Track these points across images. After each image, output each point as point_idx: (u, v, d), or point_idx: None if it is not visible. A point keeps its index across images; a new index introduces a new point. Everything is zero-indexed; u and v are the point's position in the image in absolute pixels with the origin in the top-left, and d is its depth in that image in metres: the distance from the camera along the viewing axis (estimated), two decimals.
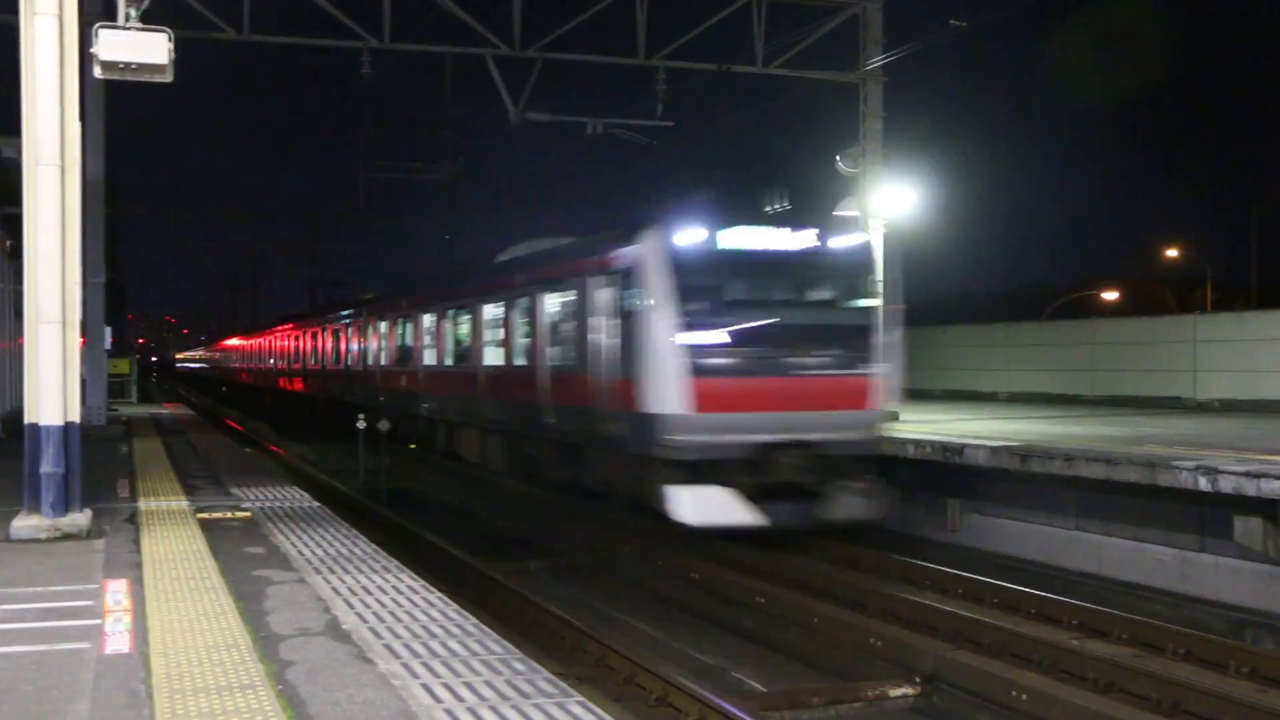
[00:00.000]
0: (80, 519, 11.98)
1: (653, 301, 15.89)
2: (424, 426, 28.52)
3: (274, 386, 51.40)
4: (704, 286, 16.10)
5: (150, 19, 12.42)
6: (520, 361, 21.17)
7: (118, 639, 7.82)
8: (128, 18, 12.25)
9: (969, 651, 11.21)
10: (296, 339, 45.63)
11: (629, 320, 16.39)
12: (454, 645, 7.73)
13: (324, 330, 40.15)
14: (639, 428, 16.00)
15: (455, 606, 8.98)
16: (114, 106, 28.90)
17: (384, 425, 25.90)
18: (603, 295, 17.25)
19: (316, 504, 15.03)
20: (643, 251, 16.22)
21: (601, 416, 17.15)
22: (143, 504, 14.51)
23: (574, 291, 18.48)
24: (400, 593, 9.45)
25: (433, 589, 9.66)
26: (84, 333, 16.13)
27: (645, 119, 24.92)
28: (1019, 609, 12.85)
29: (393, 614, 8.65)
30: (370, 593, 9.42)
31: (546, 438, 19.96)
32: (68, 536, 11.73)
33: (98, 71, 12.44)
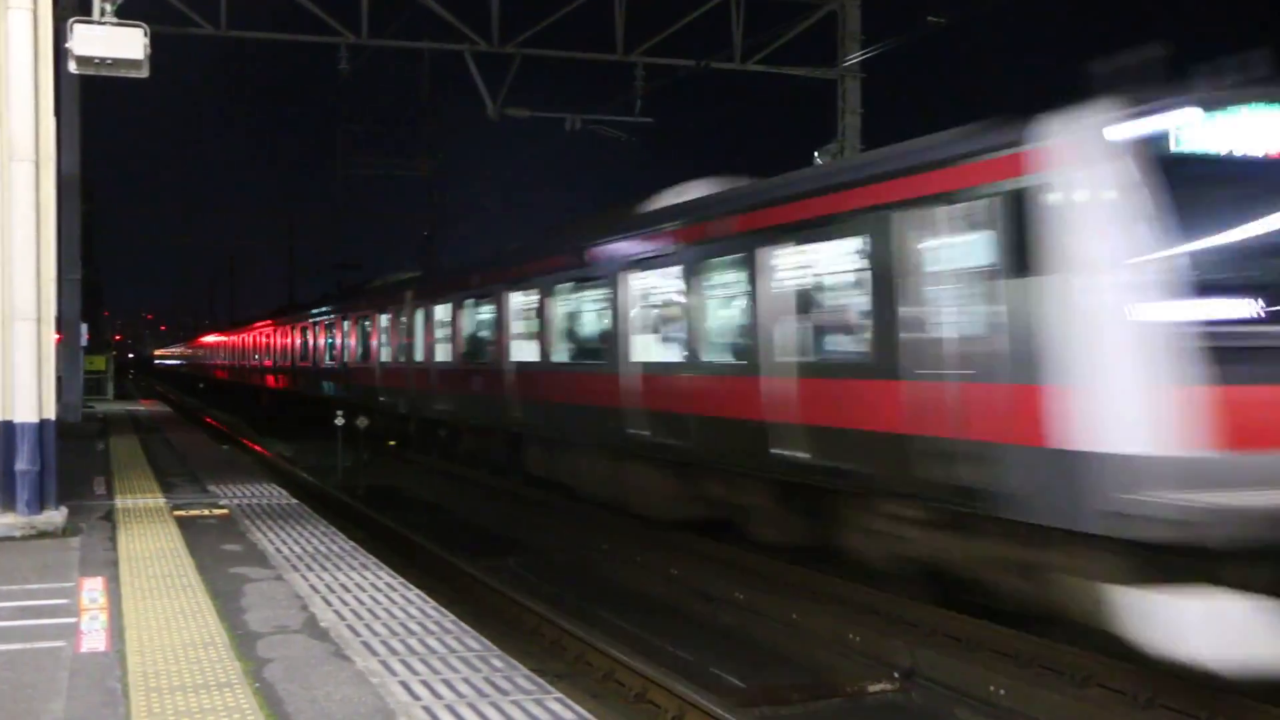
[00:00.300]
0: (56, 517, 11.92)
1: (1093, 244, 8.77)
2: (503, 443, 21.49)
3: (275, 387, 46.50)
4: (1194, 216, 8.87)
5: (126, 14, 12.36)
6: (717, 357, 13.76)
7: (94, 637, 7.79)
8: (103, 12, 12.18)
9: (947, 647, 11.22)
10: (306, 331, 38.27)
11: (1026, 281, 9.15)
12: (432, 642, 7.71)
13: (346, 319, 32.56)
14: (1062, 477, 8.86)
15: (433, 604, 8.97)
16: (90, 102, 28.79)
17: (363, 422, 25.83)
18: (942, 241, 10.15)
19: (294, 501, 15.01)
20: (1063, 154, 9.03)
21: (939, 452, 9.99)
22: (119, 502, 14.45)
23: (861, 240, 11.12)
24: (378, 590, 9.43)
25: (411, 586, 9.65)
26: (60, 329, 16.05)
27: (624, 115, 24.91)
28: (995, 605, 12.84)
29: (370, 611, 8.63)
30: (348, 590, 9.40)
31: (774, 476, 12.82)
32: (43, 534, 11.68)
33: (72, 66, 12.37)
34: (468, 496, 22.87)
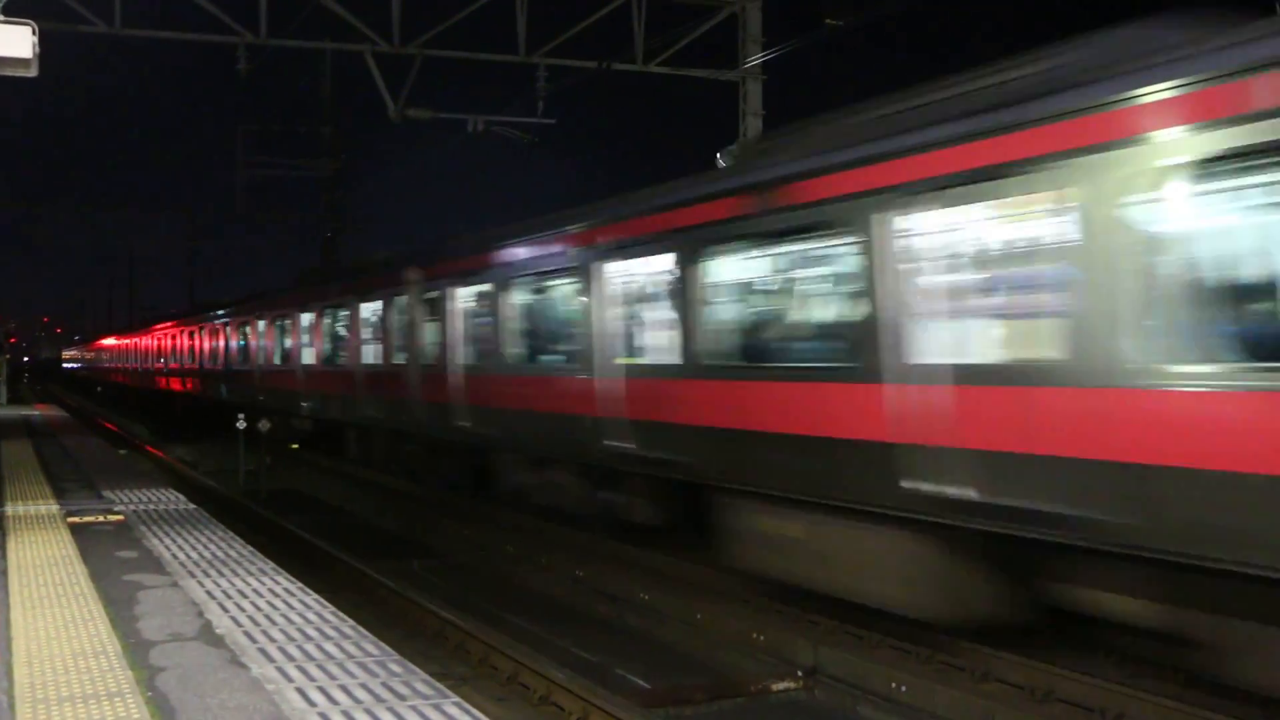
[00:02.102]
0: None
1: None
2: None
3: (180, 390, 43.26)
4: None
5: (12, 10, 12.05)
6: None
7: None
8: None
9: (849, 645, 11.32)
10: (301, 325, 27.48)
11: None
12: (330, 648, 7.62)
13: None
14: None
15: (332, 609, 8.86)
16: None
17: (264, 425, 25.52)
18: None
19: (192, 506, 14.77)
20: None
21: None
22: (9, 509, 14.13)
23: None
24: (277, 595, 9.30)
25: (310, 591, 9.53)
26: None
27: (527, 116, 24.83)
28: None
29: (268, 617, 8.51)
30: (246, 596, 9.26)
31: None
32: None
33: None
34: (373, 500, 22.68)
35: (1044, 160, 8.17)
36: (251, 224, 53.23)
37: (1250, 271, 7.61)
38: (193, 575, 10.09)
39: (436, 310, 18.28)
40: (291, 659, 7.34)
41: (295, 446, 29.14)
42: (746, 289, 11.71)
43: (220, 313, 36.22)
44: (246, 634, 7.99)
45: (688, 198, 12.13)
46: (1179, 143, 7.35)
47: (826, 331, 10.53)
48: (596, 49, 24.68)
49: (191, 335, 39.93)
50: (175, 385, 44.18)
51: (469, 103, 26.38)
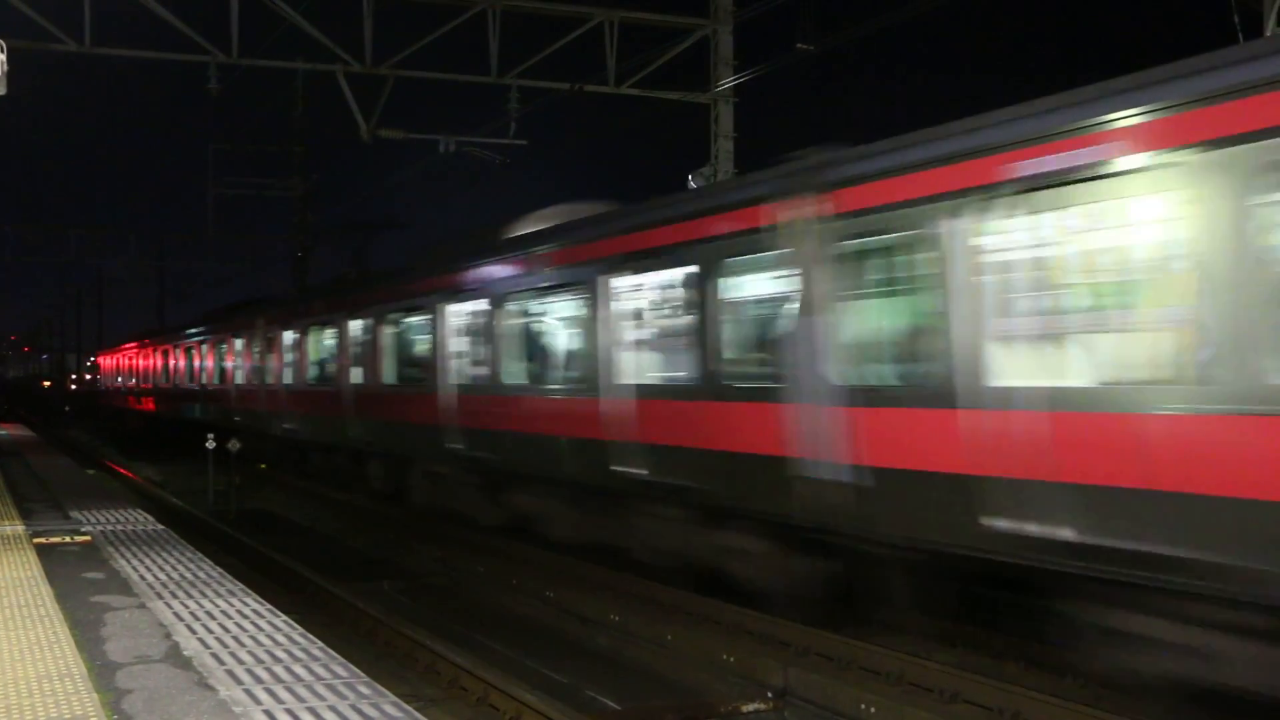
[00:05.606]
0: None
1: None
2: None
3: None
4: None
5: None
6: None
7: None
8: None
9: (819, 666, 11.33)
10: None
11: None
12: (299, 670, 7.59)
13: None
14: None
15: (301, 630, 8.83)
16: None
17: (234, 445, 25.42)
18: None
19: (161, 526, 14.70)
20: None
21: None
22: None
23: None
24: (245, 617, 9.26)
25: (279, 612, 9.49)
26: None
27: (499, 137, 24.87)
28: (866, 621, 13.00)
29: (236, 639, 8.47)
30: (214, 617, 9.22)
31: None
32: None
33: None
34: (341, 519, 22.59)
35: None
36: (223, 243, 52.96)
37: None
38: (160, 596, 10.04)
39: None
40: (260, 681, 7.31)
41: (263, 466, 29.03)
42: None
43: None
44: (214, 656, 7.95)
45: None
46: None
47: None
48: (568, 71, 24.75)
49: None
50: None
51: (441, 123, 26.40)
